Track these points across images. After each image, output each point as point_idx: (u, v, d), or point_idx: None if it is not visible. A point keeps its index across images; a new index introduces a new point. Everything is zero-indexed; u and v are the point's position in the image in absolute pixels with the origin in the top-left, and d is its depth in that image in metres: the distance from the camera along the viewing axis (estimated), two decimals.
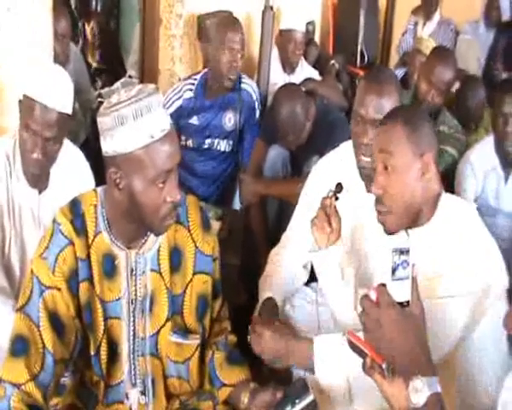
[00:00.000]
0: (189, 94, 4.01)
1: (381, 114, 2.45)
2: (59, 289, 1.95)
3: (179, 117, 3.92)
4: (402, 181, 2.07)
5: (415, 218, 2.12)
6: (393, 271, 1.51)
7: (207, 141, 4.02)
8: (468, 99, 4.40)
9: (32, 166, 2.57)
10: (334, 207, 2.32)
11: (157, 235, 2.03)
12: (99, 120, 1.87)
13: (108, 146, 1.86)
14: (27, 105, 2.48)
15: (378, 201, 2.13)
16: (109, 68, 6.11)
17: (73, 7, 6.07)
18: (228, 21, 4.06)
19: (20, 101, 2.53)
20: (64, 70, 2.68)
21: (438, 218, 2.13)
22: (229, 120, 4.00)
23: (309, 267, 2.80)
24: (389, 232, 2.14)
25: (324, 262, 2.35)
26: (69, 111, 2.52)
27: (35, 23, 3.18)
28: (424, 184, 2.09)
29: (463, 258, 2.03)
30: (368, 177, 2.59)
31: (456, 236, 2.07)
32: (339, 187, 2.35)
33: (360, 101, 2.54)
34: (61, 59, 3.84)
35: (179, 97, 4.00)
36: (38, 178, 2.64)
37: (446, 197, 2.17)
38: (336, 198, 2.32)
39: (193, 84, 4.05)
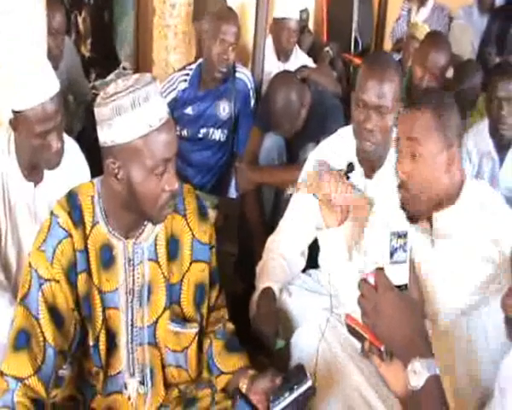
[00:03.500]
0: (184, 85, 4.01)
1: (383, 100, 2.46)
2: (57, 282, 1.95)
3: (174, 108, 3.90)
4: (429, 170, 2.07)
5: (438, 205, 2.13)
6: (391, 254, 1.52)
7: (202, 130, 4.01)
8: (464, 83, 4.40)
9: (53, 158, 2.56)
10: None
11: (155, 224, 2.04)
12: (96, 110, 1.86)
13: (106, 136, 1.85)
14: (25, 118, 2.44)
15: (402, 186, 2.13)
16: (102, 60, 6.10)
17: None
18: (223, 13, 4.03)
19: (11, 120, 2.50)
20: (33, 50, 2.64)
21: (461, 201, 2.13)
22: (224, 109, 4.00)
23: (306, 254, 2.80)
24: (411, 218, 2.14)
25: (332, 241, 2.34)
26: (58, 85, 2.50)
27: (27, 17, 3.16)
28: (450, 176, 2.10)
29: (486, 235, 2.04)
30: (368, 162, 2.60)
31: (480, 215, 2.08)
32: (350, 167, 2.35)
33: (362, 86, 2.52)
34: (54, 53, 3.82)
35: (174, 89, 3.99)
36: (37, 171, 2.64)
37: (471, 183, 2.18)
38: (347, 178, 2.32)
39: (187, 74, 4.05)
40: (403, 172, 2.11)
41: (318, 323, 2.41)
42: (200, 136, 4.02)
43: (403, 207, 2.15)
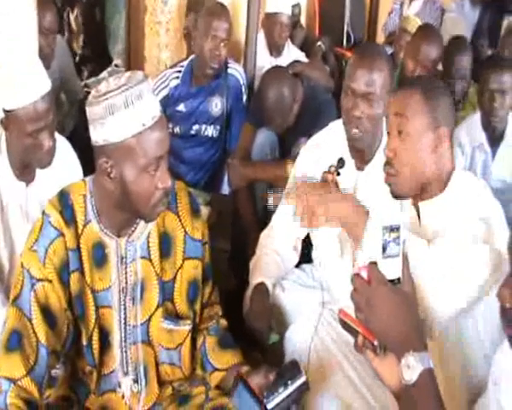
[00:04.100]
0: (176, 82, 4.01)
1: (372, 88, 2.47)
2: (50, 282, 1.95)
3: (166, 105, 3.90)
4: (414, 148, 2.07)
5: (423, 189, 2.12)
6: (384, 248, 1.51)
7: (194, 127, 4.00)
8: (454, 60, 4.37)
9: (45, 157, 2.55)
10: (336, 182, 2.31)
11: (148, 222, 2.03)
12: (88, 109, 1.85)
13: (99, 135, 1.85)
14: (16, 117, 2.43)
15: (388, 163, 2.12)
16: (95, 58, 6.08)
17: None
18: (214, 9, 4.00)
19: (2, 120, 2.49)
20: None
21: (448, 192, 2.12)
22: (216, 105, 3.98)
23: (299, 249, 2.80)
24: (395, 196, 2.13)
25: (324, 239, 2.33)
26: (49, 84, 2.50)
27: (18, 16, 3.14)
28: (436, 158, 2.09)
29: (474, 230, 2.03)
30: (359, 154, 2.59)
31: (467, 208, 2.07)
32: (341, 162, 2.34)
33: (351, 75, 2.53)
34: (46, 52, 3.81)
35: (165, 86, 3.98)
36: (28, 171, 2.63)
37: (459, 173, 2.17)
38: (338, 173, 2.31)
39: (179, 71, 4.04)
40: (390, 149, 2.10)
41: (312, 318, 2.41)
42: (193, 132, 4.01)
43: (388, 185, 2.14)
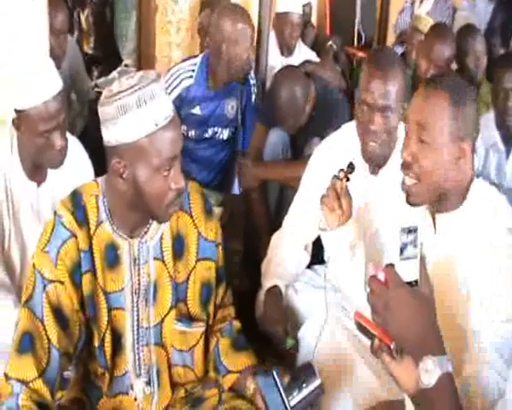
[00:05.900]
0: (189, 82, 3.80)
1: (388, 101, 2.41)
2: (62, 283, 1.93)
3: (180, 107, 3.72)
4: (435, 157, 1.98)
5: (441, 199, 2.04)
6: (401, 250, 1.49)
7: (210, 130, 3.89)
8: (467, 47, 4.35)
9: (56, 157, 2.54)
10: (346, 187, 2.27)
11: (161, 223, 2.02)
12: (100, 109, 1.84)
13: (111, 136, 1.83)
14: (28, 117, 2.42)
15: (407, 167, 2.03)
16: (105, 57, 6.09)
17: None
18: (243, 15, 3.76)
19: (14, 120, 2.48)
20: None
21: (468, 205, 2.05)
22: (232, 107, 3.88)
23: (310, 250, 2.78)
24: (411, 203, 2.07)
25: (334, 242, 2.31)
26: (61, 84, 2.48)
27: (29, 16, 3.13)
28: (458, 169, 2.00)
29: (491, 244, 1.98)
30: (373, 161, 2.56)
31: (485, 223, 2.01)
32: (350, 167, 2.28)
33: (365, 88, 2.47)
34: (57, 53, 3.80)
35: (178, 85, 3.78)
36: (40, 171, 2.63)
37: (477, 183, 2.07)
38: (347, 179, 2.26)
39: (192, 70, 3.83)
40: (408, 153, 2.02)
41: (323, 317, 2.38)
42: (208, 135, 3.90)
43: (406, 193, 2.07)
